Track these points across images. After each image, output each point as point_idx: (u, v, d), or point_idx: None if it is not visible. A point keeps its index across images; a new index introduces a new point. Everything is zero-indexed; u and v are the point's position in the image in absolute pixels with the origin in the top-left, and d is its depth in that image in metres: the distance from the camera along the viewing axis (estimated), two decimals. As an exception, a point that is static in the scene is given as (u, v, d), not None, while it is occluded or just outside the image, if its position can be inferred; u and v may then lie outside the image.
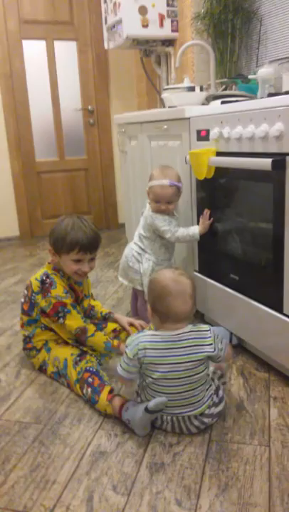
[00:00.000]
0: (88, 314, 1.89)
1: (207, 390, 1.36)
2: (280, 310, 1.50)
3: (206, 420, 1.34)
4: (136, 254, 1.94)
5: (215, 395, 1.38)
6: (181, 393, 1.31)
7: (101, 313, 1.91)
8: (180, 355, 1.30)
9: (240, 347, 1.82)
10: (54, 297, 1.64)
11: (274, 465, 1.20)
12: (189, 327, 1.34)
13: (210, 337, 1.33)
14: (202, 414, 1.33)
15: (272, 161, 1.38)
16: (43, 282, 1.67)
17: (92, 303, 1.93)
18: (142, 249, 1.94)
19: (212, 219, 1.82)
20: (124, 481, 1.19)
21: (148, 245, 1.92)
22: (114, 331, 1.85)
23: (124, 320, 1.88)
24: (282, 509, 1.07)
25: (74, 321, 1.64)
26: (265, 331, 1.59)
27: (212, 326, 1.91)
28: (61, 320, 1.65)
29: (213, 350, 1.32)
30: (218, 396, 1.39)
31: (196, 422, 1.34)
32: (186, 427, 1.34)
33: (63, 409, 1.51)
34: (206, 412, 1.34)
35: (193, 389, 1.32)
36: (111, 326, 1.87)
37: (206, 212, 1.82)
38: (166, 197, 1.83)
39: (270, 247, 1.52)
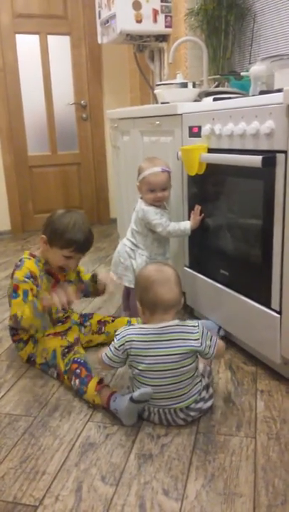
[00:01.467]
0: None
1: (195, 384, 1.38)
2: (268, 305, 1.52)
3: (192, 414, 1.37)
4: (129, 250, 1.95)
5: (205, 391, 1.40)
6: (166, 385, 1.33)
7: (90, 279, 1.90)
8: (165, 348, 1.33)
9: (226, 339, 1.84)
10: (13, 279, 1.64)
11: (259, 456, 1.23)
12: (176, 321, 1.37)
13: (197, 332, 1.35)
14: (188, 407, 1.36)
15: (263, 158, 1.40)
16: (15, 266, 1.69)
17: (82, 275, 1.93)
18: (135, 245, 1.94)
19: (203, 215, 1.84)
20: (112, 472, 1.20)
21: (140, 240, 1.93)
22: (99, 322, 1.88)
23: (104, 274, 1.89)
24: (267, 499, 1.09)
25: (15, 306, 1.59)
26: (253, 326, 1.61)
27: (200, 319, 1.94)
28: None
29: (199, 345, 1.34)
30: (208, 392, 1.41)
31: (181, 415, 1.36)
32: (172, 419, 1.36)
33: (53, 402, 1.53)
34: (193, 406, 1.36)
35: (178, 382, 1.34)
36: (96, 317, 1.89)
37: (197, 208, 1.84)
38: (161, 183, 1.84)
39: (259, 243, 1.54)
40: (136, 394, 1.31)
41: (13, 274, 1.67)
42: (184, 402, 1.35)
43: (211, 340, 1.38)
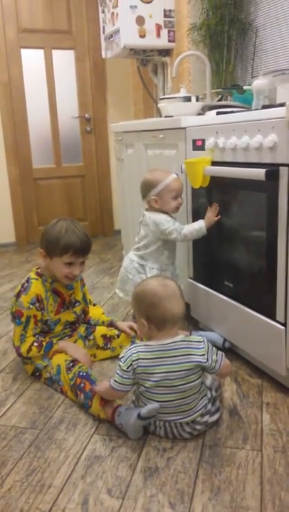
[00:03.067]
0: (84, 321, 1.92)
1: (201, 399, 1.38)
2: (272, 317, 1.53)
3: (198, 427, 1.36)
4: (137, 265, 1.92)
5: (211, 404, 1.40)
6: (173, 401, 1.33)
7: (103, 322, 1.94)
8: (172, 364, 1.33)
9: (231, 351, 1.84)
10: (18, 303, 1.68)
11: (266, 469, 1.23)
12: (181, 337, 1.37)
13: (202, 348, 1.35)
14: (194, 421, 1.35)
15: (266, 172, 1.41)
16: (22, 286, 1.71)
17: (92, 311, 1.95)
18: (144, 259, 1.91)
19: (219, 217, 1.77)
20: (118, 485, 1.20)
21: (151, 253, 1.90)
22: (104, 337, 1.87)
23: (124, 324, 1.90)
24: (274, 512, 1.09)
25: (15, 335, 1.71)
26: (258, 338, 1.62)
27: (205, 331, 1.95)
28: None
29: (205, 360, 1.34)
30: (214, 405, 1.41)
31: (188, 429, 1.35)
32: (178, 433, 1.36)
33: (59, 415, 1.53)
34: (199, 419, 1.36)
35: (185, 397, 1.34)
36: (100, 330, 1.89)
37: (215, 206, 1.76)
38: (182, 189, 1.87)
39: (263, 255, 1.55)
40: (144, 411, 1.31)
41: (19, 294, 1.70)
42: (190, 416, 1.35)
43: (216, 355, 1.38)
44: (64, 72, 3.91)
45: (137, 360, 1.33)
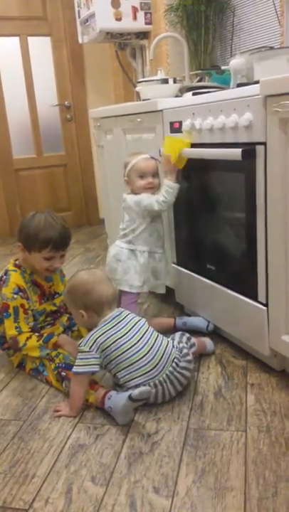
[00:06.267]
0: (66, 311, 1.89)
1: (167, 342, 1.50)
2: (254, 298, 1.52)
3: (189, 367, 1.48)
4: (126, 251, 1.84)
5: (178, 350, 1.49)
6: (153, 346, 1.43)
7: None
8: (130, 320, 1.47)
9: (216, 334, 1.83)
10: (3, 296, 1.64)
11: (250, 449, 1.22)
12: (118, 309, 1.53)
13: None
14: (179, 364, 1.44)
15: (242, 151, 1.39)
16: (0, 279, 1.68)
17: None
18: (133, 243, 1.85)
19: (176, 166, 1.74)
20: (102, 472, 1.19)
21: (140, 235, 1.83)
22: (89, 328, 1.84)
23: None
24: (258, 491, 1.09)
25: (8, 328, 1.64)
26: (241, 319, 1.61)
27: (190, 316, 1.94)
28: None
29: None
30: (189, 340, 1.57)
31: (182, 364, 1.45)
32: (180, 376, 1.45)
33: (43, 405, 1.51)
34: (183, 364, 1.46)
35: (154, 342, 1.45)
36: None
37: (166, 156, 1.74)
38: (151, 169, 1.80)
39: (243, 237, 1.53)
40: (135, 392, 1.31)
41: (0, 290, 1.66)
42: (171, 355, 1.45)
43: None
44: (41, 60, 3.83)
45: (100, 336, 1.42)
